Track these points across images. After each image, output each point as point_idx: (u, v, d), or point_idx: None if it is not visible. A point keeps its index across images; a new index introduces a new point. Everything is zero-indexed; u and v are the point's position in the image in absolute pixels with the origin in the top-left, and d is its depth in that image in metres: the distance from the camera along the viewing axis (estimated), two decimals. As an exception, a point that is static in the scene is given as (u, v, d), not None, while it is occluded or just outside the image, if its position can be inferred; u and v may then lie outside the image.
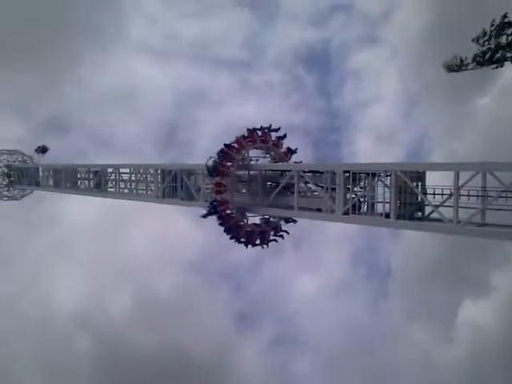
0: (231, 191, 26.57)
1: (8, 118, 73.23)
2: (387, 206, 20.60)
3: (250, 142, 26.94)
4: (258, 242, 27.87)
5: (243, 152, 26.85)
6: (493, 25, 26.57)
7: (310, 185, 24.42)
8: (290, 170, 25.07)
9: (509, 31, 26.22)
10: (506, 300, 59.40)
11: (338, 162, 23.72)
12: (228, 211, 26.64)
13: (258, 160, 27.89)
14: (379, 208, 21.32)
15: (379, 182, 21.29)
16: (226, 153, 26.27)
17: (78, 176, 41.19)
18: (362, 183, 22.13)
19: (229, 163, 26.39)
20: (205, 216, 26.60)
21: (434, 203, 19.76)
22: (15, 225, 65.91)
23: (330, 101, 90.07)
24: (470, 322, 62.37)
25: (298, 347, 68.81)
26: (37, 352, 63.58)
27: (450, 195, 18.95)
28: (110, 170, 37.82)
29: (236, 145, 26.52)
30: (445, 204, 19.51)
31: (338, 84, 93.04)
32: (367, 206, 21.99)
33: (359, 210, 21.94)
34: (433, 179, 20.49)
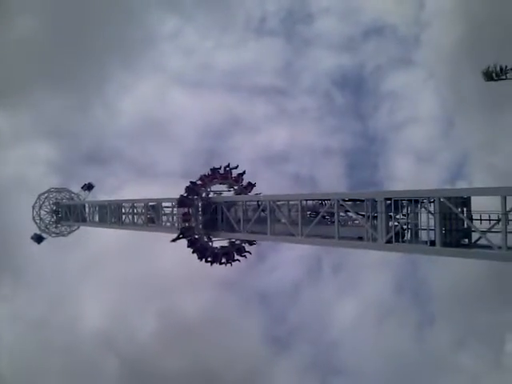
0: (196, 219, 31.80)
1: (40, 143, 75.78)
2: (431, 233, 20.07)
3: (213, 179, 32.82)
4: (223, 260, 32.61)
5: (206, 188, 32.60)
6: None
7: (350, 213, 24.23)
8: (329, 199, 24.94)
9: None
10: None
11: (376, 188, 23.54)
12: (196, 236, 31.91)
13: (221, 193, 33.46)
14: (423, 235, 20.82)
15: (422, 209, 20.84)
16: (191, 188, 31.99)
17: (123, 211, 42.44)
18: (405, 210, 21.71)
19: (195, 196, 32.02)
20: (174, 240, 32.08)
21: (481, 229, 19.10)
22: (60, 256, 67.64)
23: (366, 124, 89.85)
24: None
25: (339, 376, 66.40)
26: (64, 374, 63.93)
27: (498, 220, 18.28)
28: (152, 203, 38.75)
29: (200, 182, 32.19)
30: (493, 230, 18.81)
31: (373, 107, 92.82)
32: (411, 234, 21.48)
33: (403, 237, 21.47)
34: (479, 203, 19.88)
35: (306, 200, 27.09)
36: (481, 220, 19.43)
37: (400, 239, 21.36)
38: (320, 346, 69.31)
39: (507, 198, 17.75)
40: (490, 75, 27.75)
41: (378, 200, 22.02)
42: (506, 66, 26.98)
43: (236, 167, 33.71)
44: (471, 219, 19.78)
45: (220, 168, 33.23)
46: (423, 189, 20.87)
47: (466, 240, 20.41)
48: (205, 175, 32.60)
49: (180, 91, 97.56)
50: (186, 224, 31.88)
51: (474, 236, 19.98)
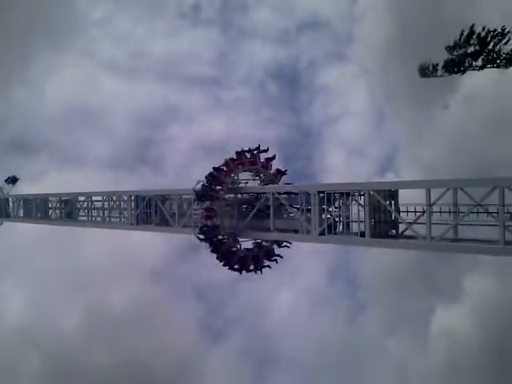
0: (222, 216, 25.78)
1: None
2: (362, 224, 20.76)
3: (238, 164, 26.27)
4: (251, 267, 26.73)
5: (232, 175, 26.16)
6: (462, 34, 27.78)
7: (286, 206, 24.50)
8: (264, 193, 25.09)
9: (475, 41, 27.39)
10: (478, 304, 60.43)
11: (312, 182, 23.95)
12: (220, 237, 25.78)
13: (247, 183, 27.20)
14: (355, 227, 21.51)
15: (353, 202, 21.50)
16: (215, 176, 25.61)
17: (50, 206, 40.31)
18: (337, 203, 22.30)
19: (218, 187, 25.75)
20: (201, 240, 25.85)
21: (407, 221, 20.03)
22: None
23: (300, 117, 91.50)
24: (444, 328, 63.15)
25: (272, 362, 67.70)
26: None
27: (423, 212, 19.24)
28: (81, 198, 37.16)
29: (225, 168, 25.88)
30: (418, 221, 19.80)
31: (307, 100, 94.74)
32: (343, 226, 22.13)
33: (335, 229, 22.06)
34: (407, 196, 20.82)
35: (242, 193, 27.07)
36: (407, 212, 20.37)
37: (332, 231, 21.95)
38: (256, 336, 70.13)
39: (431, 190, 18.76)
40: (424, 72, 29.20)
41: (312, 193, 22.45)
42: (438, 64, 28.48)
43: (266, 150, 27.42)
44: (398, 211, 20.68)
45: (248, 151, 26.78)
46: (354, 182, 21.55)
47: (394, 231, 21.32)
48: (231, 159, 26.13)
49: (112, 78, 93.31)
50: (209, 222, 25.47)
51: (401, 227, 20.88)
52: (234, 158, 26.26)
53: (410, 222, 19.86)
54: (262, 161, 27.18)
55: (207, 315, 72.54)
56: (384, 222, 20.98)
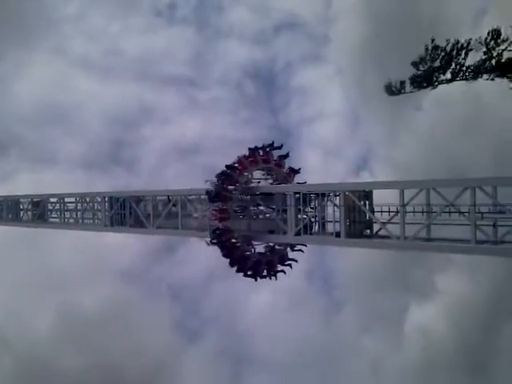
0: (234, 218, 24.07)
1: None
2: (337, 224, 20.89)
3: (252, 162, 24.28)
4: (265, 273, 24.69)
5: (246, 174, 24.13)
6: (427, 49, 28.32)
7: (261, 207, 24.51)
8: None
9: (441, 55, 28.04)
10: (451, 302, 61.80)
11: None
12: (233, 240, 23.77)
13: (259, 182, 25.11)
14: (330, 227, 21.63)
15: (329, 202, 21.63)
16: (228, 175, 23.68)
17: (21, 207, 39.24)
18: (313, 204, 22.40)
19: (231, 187, 23.67)
20: (213, 243, 23.79)
21: (381, 221, 20.25)
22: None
23: (277, 117, 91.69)
24: (418, 326, 64.37)
25: (248, 362, 67.62)
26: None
27: (397, 212, 19.49)
28: (53, 199, 36.30)
29: (239, 165, 23.91)
30: (392, 221, 20.04)
31: (284, 101, 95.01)
32: (318, 226, 22.24)
33: (311, 230, 22.14)
34: (381, 196, 21.06)
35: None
36: (381, 212, 20.60)
37: (308, 231, 22.03)
38: (232, 336, 69.97)
39: (404, 191, 19.03)
40: (391, 90, 29.75)
41: (288, 194, 22.53)
42: (405, 81, 29.04)
43: (280, 147, 25.34)
44: (373, 211, 20.90)
45: (262, 147, 24.70)
46: (329, 183, 21.68)
47: (369, 231, 21.54)
48: (244, 157, 24.10)
49: (85, 76, 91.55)
50: (221, 225, 23.32)
51: (376, 227, 21.09)
52: (247, 155, 24.29)
53: (384, 222, 20.09)
54: (275, 159, 25.24)
55: (182, 315, 72.10)
56: (359, 222, 21.20)
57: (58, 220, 35.86)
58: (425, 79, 28.92)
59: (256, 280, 24.49)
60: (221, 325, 70.29)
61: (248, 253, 24.32)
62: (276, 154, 25.33)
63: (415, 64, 28.87)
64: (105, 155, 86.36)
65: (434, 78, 28.83)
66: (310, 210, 22.51)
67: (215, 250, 23.76)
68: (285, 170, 25.52)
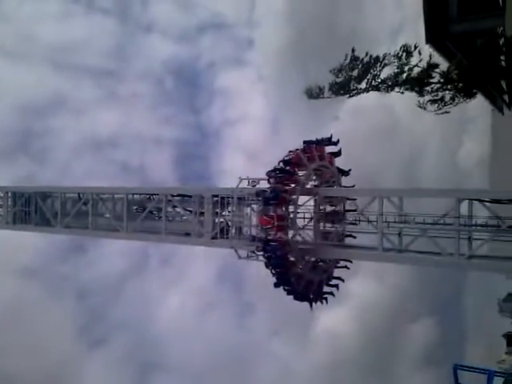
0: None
1: None
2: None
3: (309, 158, 19.95)
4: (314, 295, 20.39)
5: (305, 171, 19.96)
6: (346, 58, 29.47)
7: (178, 209, 23.98)
8: (157, 194, 24.27)
9: (359, 65, 29.35)
10: (358, 306, 65.34)
11: (206, 185, 23.71)
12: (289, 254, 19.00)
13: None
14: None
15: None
16: (288, 173, 19.41)
17: None
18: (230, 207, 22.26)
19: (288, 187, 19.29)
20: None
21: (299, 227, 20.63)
22: None
23: (198, 117, 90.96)
24: (326, 328, 67.31)
25: (157, 369, 66.68)
26: None
27: (311, 219, 20.03)
28: None
29: (296, 161, 19.62)
30: (307, 227, 20.60)
31: (206, 101, 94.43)
32: (235, 230, 22.16)
33: (227, 233, 22.01)
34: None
35: (133, 194, 25.91)
36: (303, 218, 21.00)
37: (225, 235, 21.89)
38: (141, 339, 68.34)
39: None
40: (311, 94, 30.67)
41: (206, 197, 22.22)
42: (324, 87, 30.06)
43: (336, 143, 20.77)
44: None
45: (318, 141, 20.35)
46: (246, 187, 21.67)
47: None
48: (302, 150, 19.79)
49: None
50: (278, 235, 18.63)
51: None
52: (303, 148, 20.03)
53: (301, 228, 20.54)
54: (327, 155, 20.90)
55: (90, 317, 69.09)
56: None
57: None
58: (342, 87, 30.08)
59: (311, 307, 20.35)
60: (129, 328, 68.42)
61: (301, 270, 19.67)
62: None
63: (335, 71, 29.92)
64: (11, 146, 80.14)
65: (352, 87, 30.06)
66: (227, 213, 22.36)
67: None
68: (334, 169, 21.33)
